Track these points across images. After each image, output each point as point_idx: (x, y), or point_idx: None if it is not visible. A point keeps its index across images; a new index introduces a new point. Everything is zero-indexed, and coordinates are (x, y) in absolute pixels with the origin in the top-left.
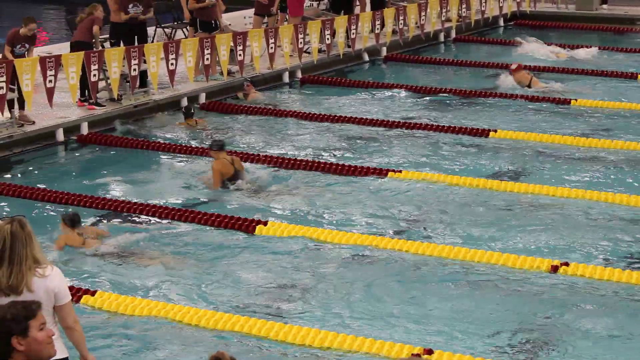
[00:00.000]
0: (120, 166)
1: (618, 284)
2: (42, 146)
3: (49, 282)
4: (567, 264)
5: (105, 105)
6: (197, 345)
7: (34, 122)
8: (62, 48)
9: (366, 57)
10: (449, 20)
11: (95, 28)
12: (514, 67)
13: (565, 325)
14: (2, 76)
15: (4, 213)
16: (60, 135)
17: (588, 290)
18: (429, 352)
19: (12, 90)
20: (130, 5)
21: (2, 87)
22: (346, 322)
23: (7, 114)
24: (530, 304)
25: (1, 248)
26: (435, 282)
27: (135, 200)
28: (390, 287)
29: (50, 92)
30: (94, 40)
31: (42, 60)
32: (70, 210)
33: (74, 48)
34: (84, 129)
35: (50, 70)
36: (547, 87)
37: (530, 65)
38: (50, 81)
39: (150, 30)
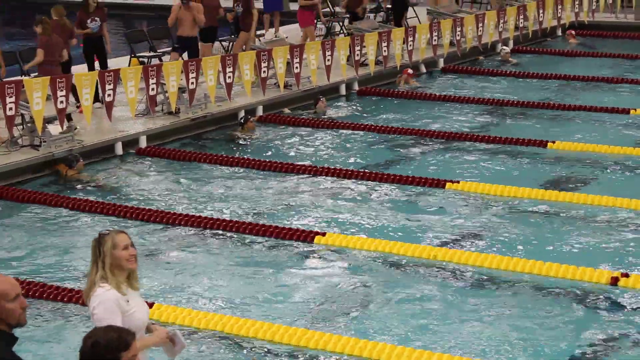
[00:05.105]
0: (177, 179)
1: None
2: (100, 159)
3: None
4: (627, 275)
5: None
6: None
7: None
8: (120, 62)
9: (423, 69)
10: (506, 31)
11: (74, 41)
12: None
13: (624, 337)
14: (61, 90)
15: (70, 227)
16: (119, 149)
17: None
18: None
19: (78, 107)
20: (89, 21)
21: (62, 102)
22: (401, 334)
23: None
24: (589, 317)
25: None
26: (493, 294)
27: (192, 213)
28: (447, 298)
29: (109, 106)
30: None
31: (101, 75)
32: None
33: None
34: (143, 142)
35: (109, 84)
36: None
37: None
38: (109, 95)
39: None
